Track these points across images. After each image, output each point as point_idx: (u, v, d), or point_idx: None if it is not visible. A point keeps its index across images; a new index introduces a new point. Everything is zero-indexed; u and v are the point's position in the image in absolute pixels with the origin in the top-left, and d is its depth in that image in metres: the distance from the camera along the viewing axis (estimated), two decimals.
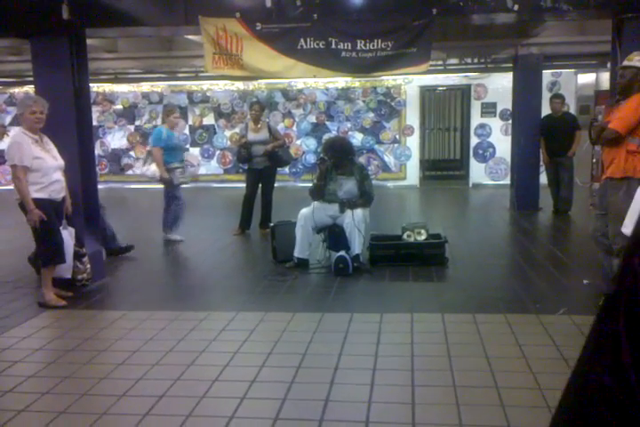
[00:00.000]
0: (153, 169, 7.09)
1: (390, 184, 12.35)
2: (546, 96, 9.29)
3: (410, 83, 12.20)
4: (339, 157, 5.72)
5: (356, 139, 12.31)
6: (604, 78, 10.66)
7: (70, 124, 5.18)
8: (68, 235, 4.85)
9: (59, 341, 3.94)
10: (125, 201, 11.96)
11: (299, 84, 12.46)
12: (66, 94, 5.14)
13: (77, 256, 4.98)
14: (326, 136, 11.57)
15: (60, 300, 4.67)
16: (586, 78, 11.77)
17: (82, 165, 5.25)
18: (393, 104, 12.37)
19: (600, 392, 0.60)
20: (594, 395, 0.61)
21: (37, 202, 4.44)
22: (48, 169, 4.52)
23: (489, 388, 3.04)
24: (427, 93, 12.56)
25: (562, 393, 0.69)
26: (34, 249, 4.96)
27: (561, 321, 4.05)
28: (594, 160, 9.71)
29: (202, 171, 13.05)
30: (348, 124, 12.48)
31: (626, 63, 4.21)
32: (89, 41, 6.20)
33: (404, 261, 5.67)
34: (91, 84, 6.94)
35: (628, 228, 3.84)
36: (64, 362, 3.53)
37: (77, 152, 5.19)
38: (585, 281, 4.96)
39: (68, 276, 4.90)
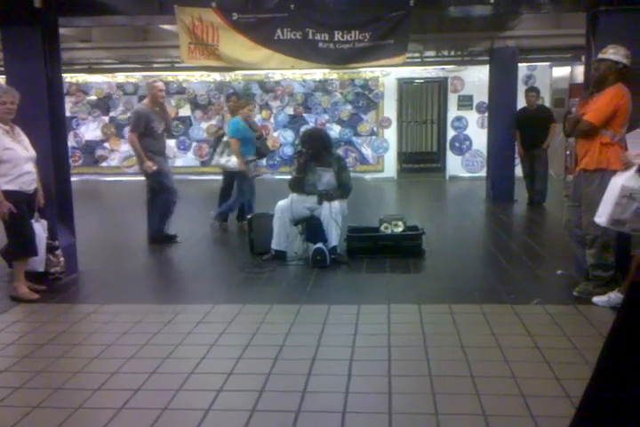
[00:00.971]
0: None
1: (368, 176, 12.38)
2: (521, 89, 9.38)
3: (387, 75, 12.22)
4: (317, 149, 5.70)
5: (334, 131, 12.30)
6: (579, 72, 10.80)
7: (42, 115, 5.07)
8: (40, 227, 4.77)
9: (32, 335, 3.88)
10: (100, 194, 11.81)
11: (276, 75, 12.40)
12: (38, 84, 5.03)
13: (50, 249, 4.91)
14: (304, 128, 11.53)
15: (33, 293, 4.60)
16: (560, 72, 11.90)
17: (54, 157, 5.15)
18: (370, 96, 12.38)
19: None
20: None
21: (7, 194, 4.35)
22: (19, 160, 4.43)
23: (464, 377, 3.07)
24: (404, 86, 12.59)
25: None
26: (5, 242, 4.86)
27: (535, 311, 4.10)
28: (567, 152, 9.84)
29: (178, 163, 12.92)
30: (326, 117, 12.46)
31: (600, 56, 4.26)
32: (62, 30, 6.09)
33: (381, 252, 5.69)
34: (64, 75, 6.81)
35: (601, 217, 3.90)
36: (37, 356, 3.48)
37: (50, 143, 5.09)
38: (558, 271, 5.03)
39: (41, 269, 4.83)
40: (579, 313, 4.05)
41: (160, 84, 6.48)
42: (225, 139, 7.26)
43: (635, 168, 3.67)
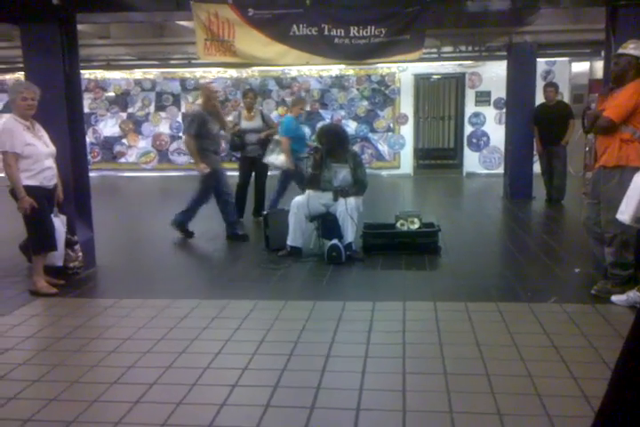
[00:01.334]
0: (282, 159, 7.05)
1: (384, 173, 12.34)
2: (540, 85, 9.28)
3: (404, 71, 12.15)
4: (333, 145, 5.69)
5: (350, 127, 12.26)
6: (598, 67, 10.65)
7: (61, 111, 5.12)
8: (59, 222, 4.82)
9: (50, 329, 3.93)
10: (118, 189, 11.91)
11: (292, 71, 12.39)
12: (56, 81, 5.07)
13: (69, 244, 4.96)
14: (320, 124, 11.52)
15: (52, 288, 4.65)
16: (580, 67, 11.74)
17: (73, 153, 5.20)
18: (387, 92, 12.32)
19: None
20: None
21: (28, 189, 4.41)
22: (39, 156, 4.49)
23: (479, 375, 3.05)
24: (421, 82, 12.51)
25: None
26: (25, 237, 4.93)
27: (552, 309, 4.06)
28: (586, 149, 9.72)
29: None
30: (342, 113, 12.43)
31: (620, 51, 4.19)
32: (81, 27, 6.13)
33: (396, 249, 5.67)
34: (82, 71, 6.87)
35: (624, 214, 3.85)
36: (55, 350, 3.53)
37: (68, 139, 5.14)
38: (576, 269, 4.98)
39: (60, 264, 4.88)
40: (596, 312, 4.00)
41: (214, 86, 6.72)
42: (276, 137, 7.28)
43: None
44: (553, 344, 3.45)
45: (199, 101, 6.78)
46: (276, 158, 7.14)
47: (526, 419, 2.64)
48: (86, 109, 12.31)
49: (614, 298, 4.14)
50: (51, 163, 4.62)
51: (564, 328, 3.72)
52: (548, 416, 2.64)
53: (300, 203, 5.66)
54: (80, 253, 5.06)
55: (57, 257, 4.83)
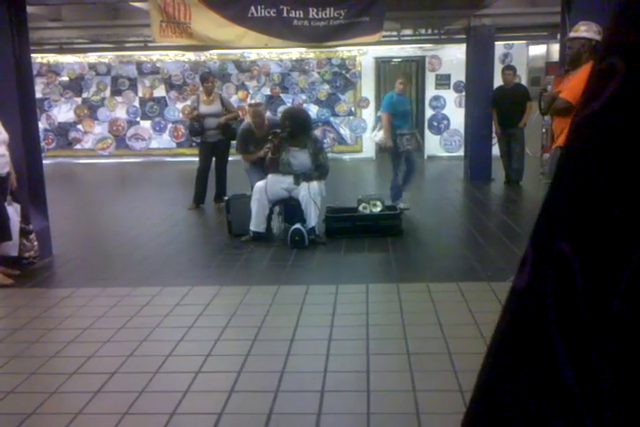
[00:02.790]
0: (380, 135, 6.85)
1: (346, 157, 12.34)
2: (498, 68, 9.37)
3: (365, 54, 12.11)
4: (297, 129, 5.64)
5: (312, 111, 12.17)
6: (555, 50, 10.80)
7: (11, 97, 4.94)
8: (13, 211, 4.67)
9: (6, 320, 3.82)
10: (74, 176, 11.62)
11: (252, 55, 12.22)
12: (6, 66, 4.89)
13: (24, 233, 4.82)
14: (281, 109, 11.42)
15: (7, 278, 4.52)
16: (537, 50, 11.90)
17: (25, 140, 5.04)
18: (348, 76, 12.28)
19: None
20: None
21: None
22: None
23: (442, 354, 3.10)
24: (382, 65, 12.50)
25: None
26: None
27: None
28: (543, 130, 9.90)
29: (154, 145, 12.75)
30: (303, 97, 12.34)
31: (573, 35, 4.25)
32: (30, 9, 5.91)
33: (359, 232, 5.69)
34: (34, 55, 6.64)
35: None
36: (12, 341, 3.44)
37: (20, 126, 4.97)
38: None
39: (14, 254, 4.74)
40: None
41: (259, 110, 6.53)
42: (378, 114, 7.15)
43: None
44: None
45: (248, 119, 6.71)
46: (375, 135, 7.01)
47: None
48: (39, 95, 11.91)
49: None
50: (3, 150, 4.47)
51: None
52: None
53: (262, 188, 5.62)
54: (35, 243, 4.92)
55: (11, 247, 4.69)
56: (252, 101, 6.88)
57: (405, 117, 6.98)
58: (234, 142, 8.21)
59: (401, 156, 6.96)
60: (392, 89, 7.24)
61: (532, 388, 0.53)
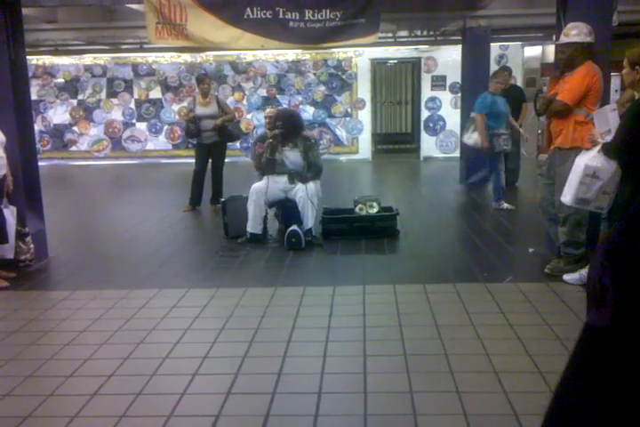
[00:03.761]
0: (475, 138, 6.80)
1: (343, 158, 12.35)
2: (494, 69, 9.38)
3: (360, 55, 12.13)
4: (288, 130, 5.64)
5: (308, 112, 12.21)
6: (550, 51, 10.83)
7: (7, 99, 4.93)
8: (9, 214, 4.67)
9: (2, 322, 3.80)
10: (70, 178, 11.59)
11: (248, 56, 12.22)
12: (1, 67, 4.88)
13: (20, 236, 4.81)
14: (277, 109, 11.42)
15: (3, 281, 4.51)
16: (532, 51, 11.94)
17: (21, 142, 5.03)
18: (344, 77, 12.29)
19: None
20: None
21: None
22: None
23: (438, 355, 3.10)
24: (378, 66, 12.52)
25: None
26: None
27: (507, 289, 4.15)
28: (539, 131, 9.91)
29: (150, 146, 12.74)
30: (300, 98, 12.35)
31: (564, 40, 4.26)
32: (25, 11, 5.89)
33: (356, 234, 5.70)
34: (29, 57, 6.62)
35: (566, 197, 3.95)
36: (8, 344, 3.42)
37: (15, 128, 4.96)
38: (530, 249, 5.09)
39: (11, 256, 4.73)
40: (550, 290, 4.11)
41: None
42: (472, 115, 7.09)
43: (598, 147, 3.70)
44: (509, 322, 3.52)
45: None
46: (470, 137, 6.93)
47: (484, 395, 2.69)
48: (34, 97, 11.89)
49: (566, 277, 4.25)
50: (0, 152, 4.46)
51: (520, 307, 3.81)
52: (504, 393, 2.70)
53: (259, 189, 5.62)
54: (32, 246, 4.91)
55: (7, 250, 4.68)
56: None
57: (501, 117, 6.93)
58: (230, 144, 8.22)
59: (499, 156, 6.95)
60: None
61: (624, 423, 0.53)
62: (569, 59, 4.26)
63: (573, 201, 3.84)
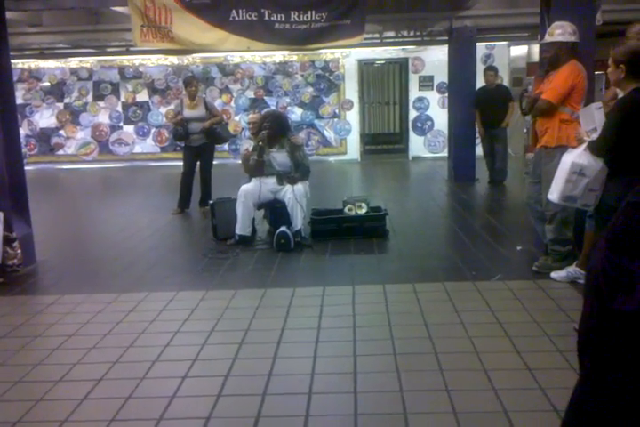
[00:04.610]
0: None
1: (331, 159, 12.36)
2: (480, 68, 9.44)
3: (348, 56, 12.15)
4: (276, 131, 5.64)
5: (296, 114, 12.21)
6: (536, 50, 10.90)
7: None
8: None
9: None
10: (57, 182, 11.53)
11: (235, 58, 12.21)
12: None
13: (7, 241, 4.77)
14: (264, 111, 11.40)
15: None
16: (518, 51, 12.02)
17: (6, 146, 4.99)
18: (331, 78, 12.31)
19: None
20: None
21: None
22: None
23: (428, 354, 3.11)
24: (365, 67, 12.54)
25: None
26: None
27: (496, 287, 4.18)
28: (525, 130, 9.98)
29: (137, 149, 12.69)
30: (287, 99, 12.35)
31: (549, 39, 4.29)
32: (9, 14, 5.85)
33: (345, 234, 5.70)
34: (14, 61, 6.58)
35: (552, 194, 3.98)
36: None
37: (1, 132, 4.93)
38: (518, 247, 5.12)
39: None
40: (538, 288, 4.14)
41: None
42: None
43: (584, 145, 3.74)
44: (497, 320, 3.54)
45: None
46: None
47: (474, 393, 2.71)
48: (20, 100, 11.82)
49: (554, 274, 4.28)
50: None
51: (508, 304, 3.83)
52: (494, 390, 2.71)
53: (249, 191, 5.61)
54: (19, 251, 4.87)
55: None
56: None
57: None
58: (218, 146, 8.19)
59: None
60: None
61: None
62: (553, 58, 4.29)
63: (560, 198, 3.88)
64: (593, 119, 3.67)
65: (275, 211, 5.86)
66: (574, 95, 4.23)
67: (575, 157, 3.80)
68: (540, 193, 4.44)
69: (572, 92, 4.22)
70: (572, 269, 4.21)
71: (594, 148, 3.56)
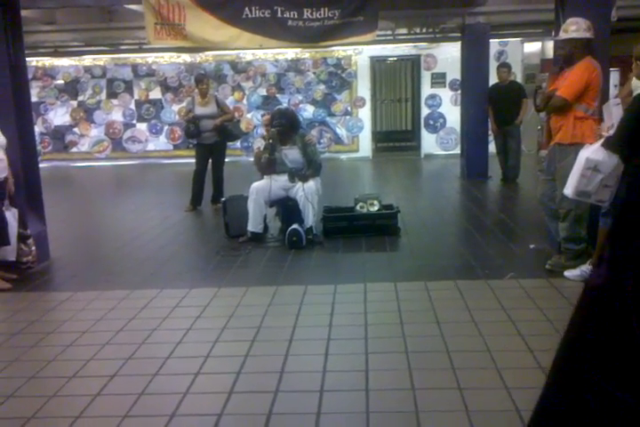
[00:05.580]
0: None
1: (343, 156, 12.35)
2: (493, 65, 9.38)
3: (360, 53, 12.12)
4: (286, 128, 5.64)
5: (308, 111, 12.21)
6: (549, 47, 10.83)
7: (7, 101, 4.93)
8: (11, 216, 4.67)
9: (4, 324, 3.82)
10: (71, 180, 11.61)
11: (247, 55, 12.22)
12: (0, 70, 4.88)
13: (22, 238, 4.81)
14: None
15: (5, 283, 4.52)
16: (532, 47, 11.93)
17: (21, 144, 5.03)
18: (344, 75, 12.28)
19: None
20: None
21: None
22: None
23: (440, 352, 3.10)
24: (377, 64, 12.51)
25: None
26: None
27: (509, 285, 4.15)
28: (539, 127, 9.90)
29: (150, 147, 12.75)
30: (299, 97, 12.34)
31: (563, 36, 4.25)
32: (24, 12, 5.90)
33: (356, 232, 5.70)
34: (29, 59, 6.63)
35: (567, 189, 3.96)
36: (10, 346, 3.44)
37: (16, 130, 4.97)
38: (531, 246, 5.09)
39: (12, 258, 4.74)
40: (551, 286, 4.11)
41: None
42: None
43: (600, 141, 3.71)
44: (510, 319, 3.53)
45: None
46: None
47: (486, 392, 2.70)
48: (35, 98, 11.90)
49: (567, 273, 4.25)
50: (1, 155, 4.47)
51: (521, 303, 3.81)
52: (506, 389, 2.70)
53: (259, 188, 5.62)
54: (33, 248, 4.92)
55: (9, 252, 4.69)
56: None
57: None
58: (231, 143, 8.22)
59: None
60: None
61: (615, 378, 0.53)
62: (568, 55, 4.26)
63: (574, 193, 3.85)
64: (610, 115, 3.65)
65: (287, 208, 5.87)
66: (589, 92, 4.20)
67: (590, 152, 3.77)
68: (554, 191, 4.40)
69: (587, 89, 4.18)
70: (586, 268, 4.17)
71: (609, 144, 3.53)
